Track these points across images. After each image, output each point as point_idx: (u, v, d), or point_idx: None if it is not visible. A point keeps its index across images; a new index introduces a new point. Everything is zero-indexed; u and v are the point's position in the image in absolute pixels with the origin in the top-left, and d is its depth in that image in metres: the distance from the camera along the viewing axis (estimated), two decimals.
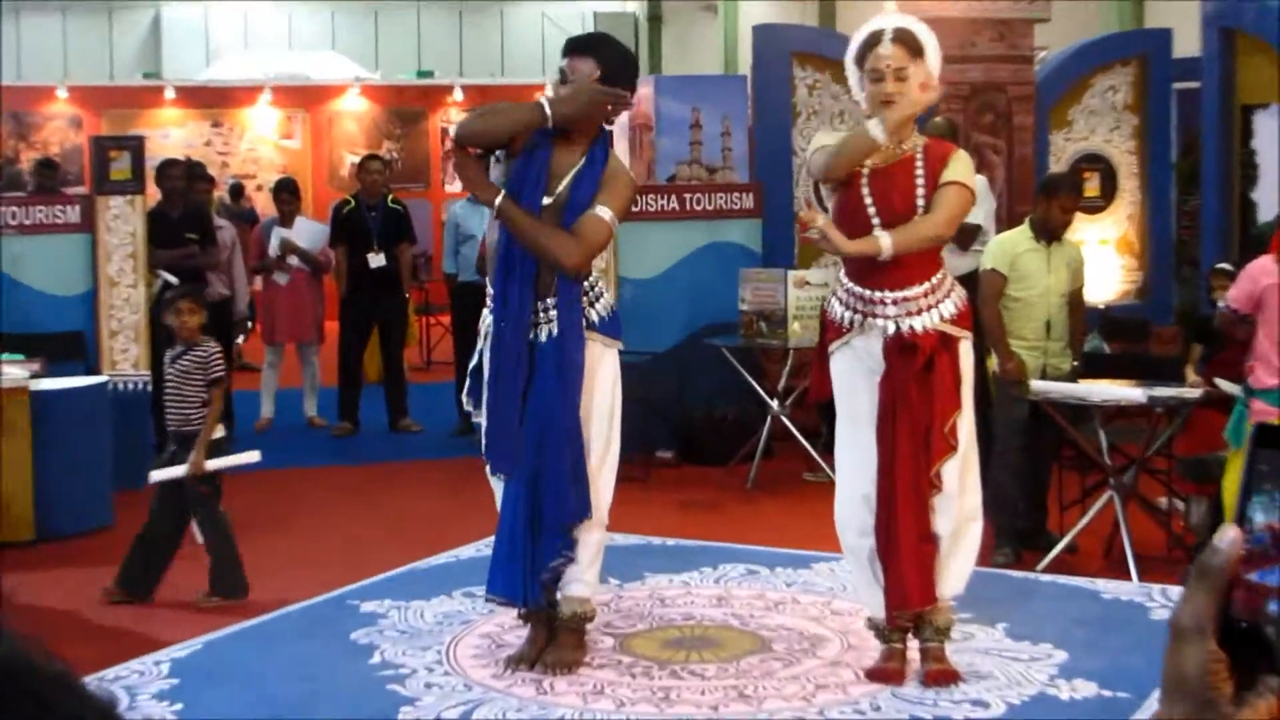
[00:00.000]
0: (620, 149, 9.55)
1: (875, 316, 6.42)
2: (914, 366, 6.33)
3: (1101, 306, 12.04)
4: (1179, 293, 12.96)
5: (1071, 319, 8.95)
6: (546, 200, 6.42)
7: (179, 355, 8.26)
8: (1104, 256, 12.51)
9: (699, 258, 12.03)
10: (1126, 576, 8.12)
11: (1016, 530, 8.85)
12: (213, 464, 8.12)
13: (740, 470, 11.10)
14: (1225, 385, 8.30)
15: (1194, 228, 12.96)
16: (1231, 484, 7.59)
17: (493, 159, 6.56)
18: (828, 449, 11.03)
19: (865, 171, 6.41)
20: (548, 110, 6.32)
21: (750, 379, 11.20)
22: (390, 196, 13.18)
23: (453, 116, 22.92)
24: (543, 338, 6.48)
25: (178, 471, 8.04)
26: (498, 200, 6.33)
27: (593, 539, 6.62)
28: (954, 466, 6.39)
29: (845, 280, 6.54)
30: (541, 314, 6.48)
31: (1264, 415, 7.42)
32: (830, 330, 6.60)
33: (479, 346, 6.72)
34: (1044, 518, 9.08)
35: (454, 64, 33.25)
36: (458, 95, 22.98)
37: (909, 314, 6.38)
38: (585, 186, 6.42)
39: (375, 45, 34.68)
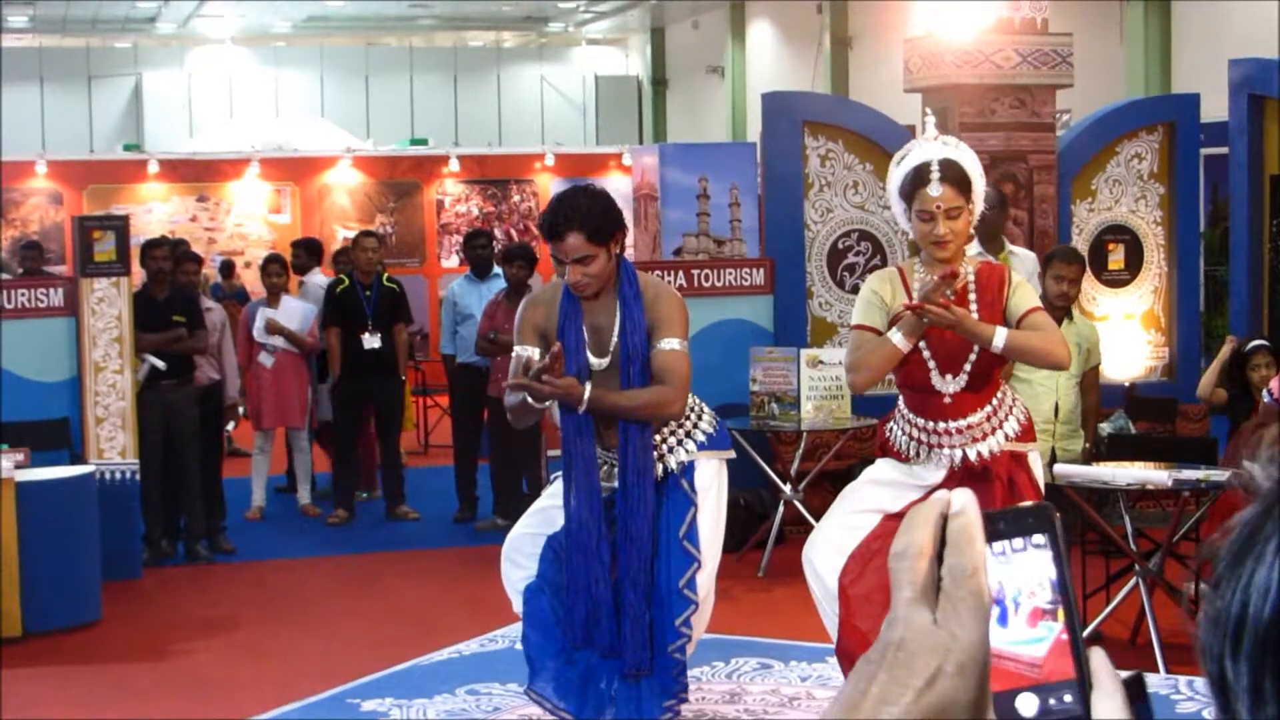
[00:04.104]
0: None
1: (940, 447, 6.50)
2: (992, 492, 6.29)
3: (1127, 384, 12.14)
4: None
5: (1085, 400, 9.05)
6: (601, 362, 6.51)
7: None
8: (1129, 332, 12.59)
9: (707, 336, 11.97)
10: (1153, 666, 8.23)
11: None
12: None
13: (752, 558, 11.22)
14: None
15: (1222, 299, 13.06)
16: None
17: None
18: None
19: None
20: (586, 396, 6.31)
21: (762, 462, 11.31)
22: (385, 275, 13.35)
23: (448, 188, 23.15)
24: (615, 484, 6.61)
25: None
26: (585, 395, 6.30)
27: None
28: None
29: (905, 410, 6.61)
30: (609, 465, 6.63)
31: None
32: (890, 453, 6.65)
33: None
34: None
35: (449, 132, 33.47)
36: (454, 165, 23.17)
37: (974, 440, 6.46)
38: (635, 332, 6.47)
39: (366, 113, 34.98)
